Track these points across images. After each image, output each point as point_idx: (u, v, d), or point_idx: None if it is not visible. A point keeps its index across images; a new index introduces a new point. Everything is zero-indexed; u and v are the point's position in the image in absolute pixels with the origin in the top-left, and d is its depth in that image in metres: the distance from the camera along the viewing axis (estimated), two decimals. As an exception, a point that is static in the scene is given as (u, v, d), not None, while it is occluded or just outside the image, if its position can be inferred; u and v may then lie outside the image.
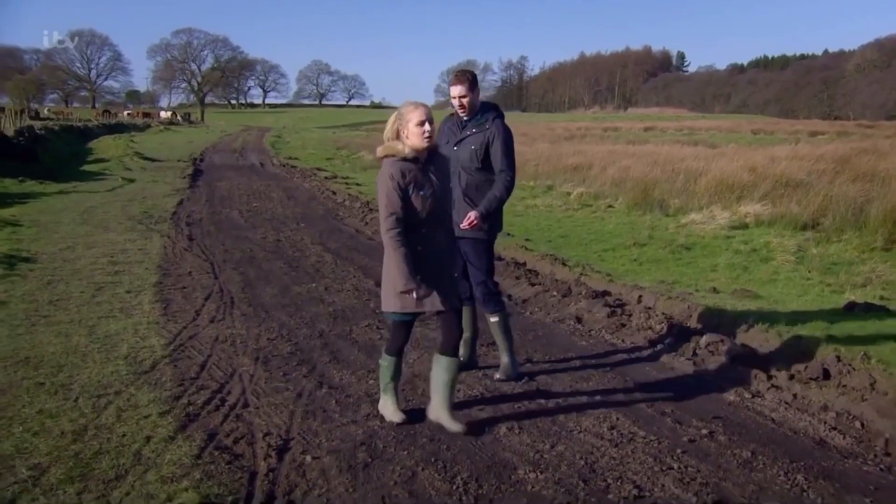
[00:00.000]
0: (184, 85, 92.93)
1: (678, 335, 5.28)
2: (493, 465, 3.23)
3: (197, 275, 7.09)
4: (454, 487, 3.02)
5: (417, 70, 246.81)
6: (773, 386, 4.31)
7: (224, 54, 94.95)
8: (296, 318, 5.64)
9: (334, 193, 15.09)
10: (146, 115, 72.12)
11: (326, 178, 18.67)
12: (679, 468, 3.25)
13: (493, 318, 4.32)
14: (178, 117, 72.66)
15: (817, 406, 4.02)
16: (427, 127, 3.32)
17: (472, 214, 4.01)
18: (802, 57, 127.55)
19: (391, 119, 3.44)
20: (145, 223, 10.39)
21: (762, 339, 5.07)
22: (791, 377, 4.38)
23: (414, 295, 3.36)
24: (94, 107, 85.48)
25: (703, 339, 5.06)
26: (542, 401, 4.05)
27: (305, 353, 4.78)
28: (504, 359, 4.37)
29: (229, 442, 3.37)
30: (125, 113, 71.58)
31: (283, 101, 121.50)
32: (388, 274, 3.47)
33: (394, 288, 3.41)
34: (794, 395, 4.17)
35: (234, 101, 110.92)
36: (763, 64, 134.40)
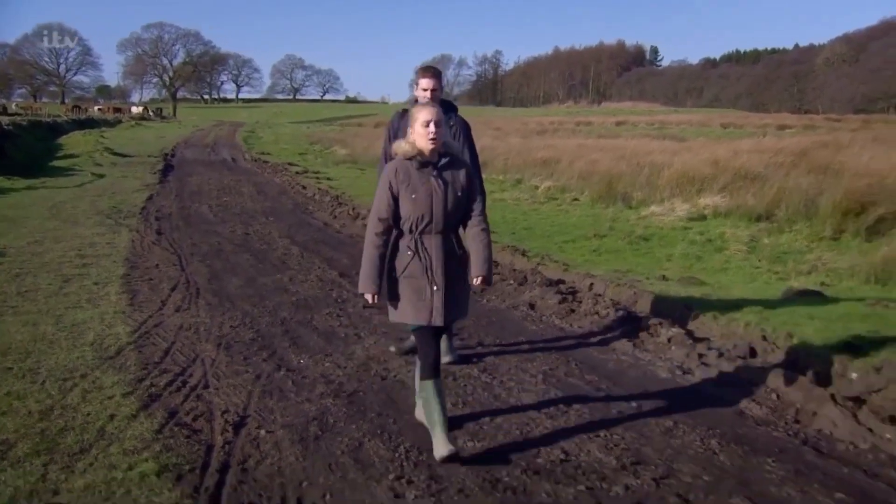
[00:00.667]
0: (155, 80, 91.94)
1: (623, 319, 5.59)
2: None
3: (164, 267, 7.27)
4: (396, 455, 3.28)
5: (392, 65, 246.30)
6: (702, 363, 4.63)
7: (196, 49, 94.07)
8: (259, 308, 5.86)
9: (304, 188, 15.25)
10: (117, 110, 71.27)
11: (298, 172, 18.81)
12: (605, 436, 3.54)
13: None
14: (150, 112, 71.88)
15: (740, 380, 4.34)
16: (432, 128, 3.15)
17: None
18: (774, 51, 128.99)
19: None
20: (114, 218, 10.50)
21: (699, 322, 5.40)
22: (720, 355, 4.71)
23: (369, 300, 3.27)
24: (63, 102, 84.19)
25: (644, 323, 5.38)
26: (487, 380, 4.33)
27: (266, 340, 5.01)
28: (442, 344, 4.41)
29: (189, 419, 3.60)
30: (95, 108, 70.61)
31: (257, 95, 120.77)
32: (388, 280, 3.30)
33: (403, 296, 3.24)
34: (720, 371, 4.49)
35: (206, 96, 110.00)
36: (735, 58, 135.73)
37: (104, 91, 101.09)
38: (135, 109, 73.36)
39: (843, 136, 25.26)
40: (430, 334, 3.30)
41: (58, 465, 3.06)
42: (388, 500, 2.90)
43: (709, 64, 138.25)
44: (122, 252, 7.93)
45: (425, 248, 3.21)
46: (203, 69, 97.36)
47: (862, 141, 22.49)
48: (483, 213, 3.39)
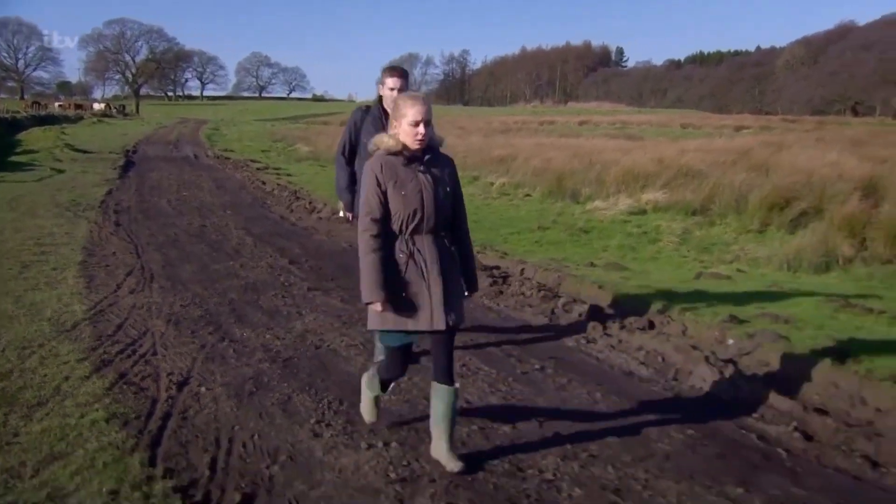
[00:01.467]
0: (118, 76, 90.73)
1: (544, 299, 6.14)
2: (357, 391, 3.98)
3: (121, 255, 7.64)
4: (319, 405, 3.78)
5: (360, 64, 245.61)
6: (605, 334, 5.20)
7: (159, 45, 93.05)
8: (209, 290, 6.28)
9: (264, 183, 15.60)
10: (78, 106, 70.22)
11: (258, 168, 19.11)
12: (506, 390, 4.07)
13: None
14: (113, 109, 71.05)
15: (634, 347, 4.92)
16: (421, 129, 2.97)
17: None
18: (736, 53, 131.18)
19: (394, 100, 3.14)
20: (73, 210, 10.77)
21: (609, 300, 5.97)
22: (622, 327, 5.28)
23: (378, 308, 2.99)
24: (22, 98, 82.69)
25: (561, 301, 5.94)
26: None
27: (213, 317, 5.45)
28: None
29: (137, 379, 4.04)
30: (56, 104, 69.56)
31: (223, 93, 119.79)
32: None
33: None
34: (620, 341, 5.07)
35: (171, 94, 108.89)
36: (699, 60, 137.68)
37: (65, 87, 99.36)
38: (97, 106, 72.43)
39: (790, 137, 26.35)
40: (405, 354, 3.25)
41: (17, 415, 3.49)
42: (308, 438, 3.39)
43: (673, 65, 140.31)
44: (80, 241, 8.26)
45: (418, 249, 3.02)
46: (167, 66, 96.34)
47: (806, 141, 23.55)
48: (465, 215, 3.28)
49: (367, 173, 3.02)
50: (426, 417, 3.30)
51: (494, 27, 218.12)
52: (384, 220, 2.99)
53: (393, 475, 3.06)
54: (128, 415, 3.54)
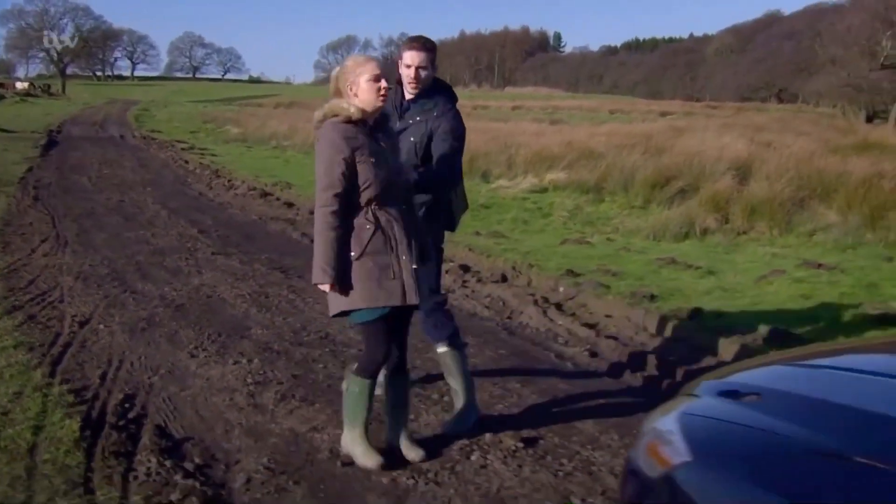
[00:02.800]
0: (42, 55, 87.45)
1: (421, 259, 7.01)
2: (237, 327, 4.78)
3: (37, 225, 8.17)
4: (201, 337, 4.56)
5: (297, 45, 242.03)
6: (463, 285, 6.11)
7: (86, 24, 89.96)
8: (119, 253, 6.93)
9: (187, 162, 16.03)
10: (0, 85, 67.69)
11: (184, 149, 19.41)
12: (362, 326, 4.91)
13: (444, 349, 3.46)
14: (37, 88, 68.70)
15: (484, 295, 5.84)
16: (383, 83, 2.81)
17: None
18: (670, 40, 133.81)
19: (332, 78, 2.91)
20: (-8, 186, 11.10)
21: (475, 259, 6.89)
22: (479, 280, 6.21)
23: (327, 290, 2.81)
24: (-62, 75, 79.00)
25: (434, 260, 6.82)
26: (293, 296, 5.62)
27: (119, 274, 6.12)
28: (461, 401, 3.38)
29: (44, 320, 4.74)
30: (-25, 82, 66.84)
31: (155, 73, 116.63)
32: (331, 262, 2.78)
33: (360, 279, 2.80)
34: (473, 291, 5.99)
35: (99, 73, 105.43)
36: (635, 46, 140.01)
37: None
38: (20, 85, 69.82)
39: (700, 122, 27.92)
40: (387, 328, 2.91)
41: (-65, 346, 4.15)
42: (185, 358, 4.18)
43: (609, 51, 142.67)
44: (-2, 214, 8.73)
45: (388, 220, 2.84)
46: (94, 45, 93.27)
47: (712, 126, 25.10)
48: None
49: (327, 144, 2.79)
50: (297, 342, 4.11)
51: (433, 10, 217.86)
52: (346, 193, 2.78)
53: (250, 380, 3.87)
54: (34, 343, 4.25)
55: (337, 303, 2.86)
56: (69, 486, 2.73)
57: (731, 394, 1.64)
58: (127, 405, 3.52)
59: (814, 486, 1.23)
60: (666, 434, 1.59)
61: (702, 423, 1.57)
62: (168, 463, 2.95)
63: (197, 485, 2.79)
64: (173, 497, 2.69)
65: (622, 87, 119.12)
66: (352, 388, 2.97)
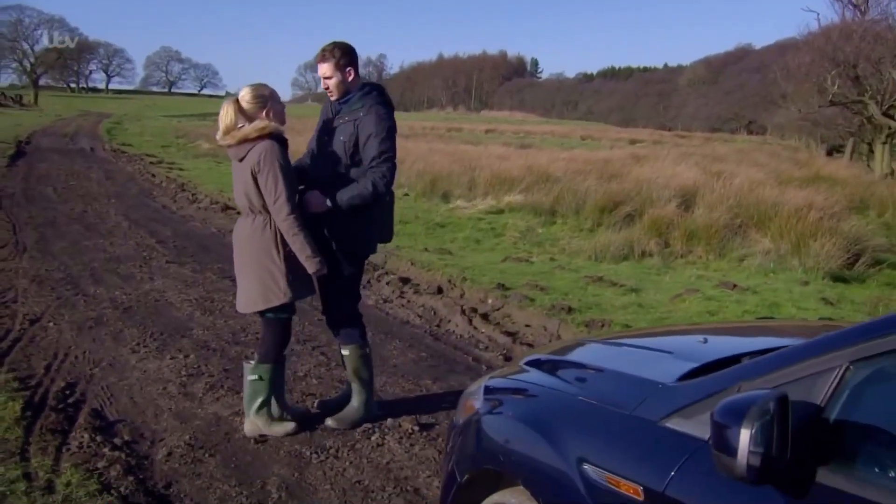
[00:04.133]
0: (14, 65, 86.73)
1: (365, 272, 7.41)
2: (179, 328, 5.13)
3: (-2, 232, 8.43)
4: (143, 335, 4.91)
5: (274, 62, 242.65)
6: (401, 296, 6.53)
7: (60, 35, 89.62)
8: (75, 260, 7.24)
9: (154, 176, 16.29)
10: (-30, 94, 67.05)
11: (152, 163, 19.65)
12: (306, 332, 5.29)
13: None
14: (8, 99, 68.16)
15: (418, 305, 6.26)
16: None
17: (317, 194, 3.39)
18: (645, 69, 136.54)
19: (231, 106, 3.28)
20: (-45, 194, 11.30)
21: (416, 273, 7.32)
22: (416, 292, 6.63)
23: (321, 272, 3.34)
24: None
25: (376, 273, 7.24)
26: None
27: (74, 279, 6.44)
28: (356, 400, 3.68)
29: (-4, 318, 5.05)
30: (-55, 91, 66.16)
31: (130, 87, 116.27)
32: (270, 264, 3.28)
33: (284, 276, 3.28)
34: (409, 301, 6.40)
35: (73, 85, 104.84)
36: (610, 74, 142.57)
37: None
38: (-9, 94, 69.22)
39: (663, 151, 28.77)
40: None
41: None
42: (127, 353, 4.53)
43: (585, 78, 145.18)
44: (-40, 220, 8.96)
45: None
46: (69, 57, 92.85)
47: (673, 155, 25.92)
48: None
49: (275, 158, 3.21)
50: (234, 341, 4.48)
51: (412, 32, 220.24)
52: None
53: (184, 373, 4.24)
54: (-16, 338, 4.57)
55: (264, 299, 3.35)
56: (6, 455, 3.08)
57: (535, 363, 2.08)
58: (67, 392, 3.87)
59: (547, 413, 1.69)
60: (475, 392, 2.03)
61: (499, 383, 2.01)
62: (99, 438, 3.31)
63: (122, 456, 3.16)
64: (99, 465, 3.06)
65: (597, 113, 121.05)
66: (252, 376, 3.44)
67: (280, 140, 3.30)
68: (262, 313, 3.43)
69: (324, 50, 3.43)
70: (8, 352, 4.39)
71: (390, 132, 3.46)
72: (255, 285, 3.32)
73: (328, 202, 3.34)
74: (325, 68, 3.41)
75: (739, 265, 9.27)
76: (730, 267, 9.16)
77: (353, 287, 3.67)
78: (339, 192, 3.35)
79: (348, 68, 3.42)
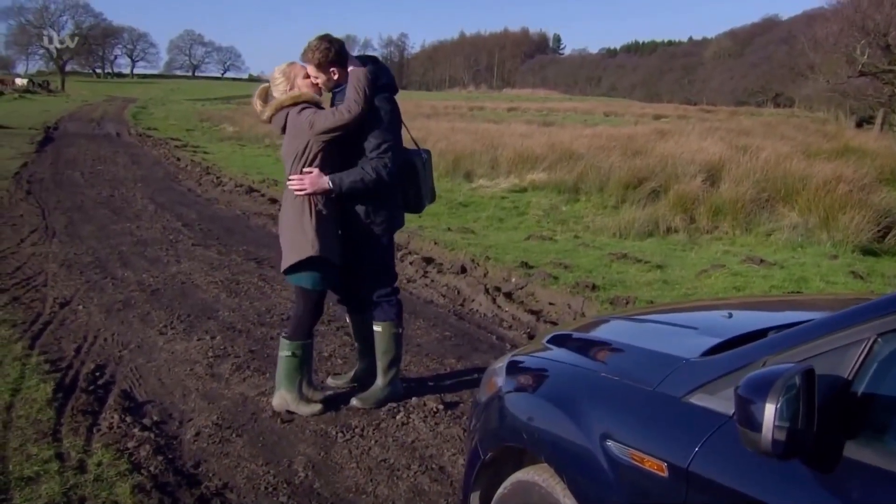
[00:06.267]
0: (41, 51, 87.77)
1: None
2: (206, 309, 5.19)
3: (28, 217, 8.58)
4: (171, 317, 4.97)
5: (297, 44, 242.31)
6: (425, 275, 6.53)
7: (85, 21, 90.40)
8: (103, 244, 7.34)
9: (179, 160, 16.44)
10: (-1, 81, 68.00)
11: (177, 147, 19.83)
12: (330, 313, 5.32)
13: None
14: (36, 85, 69.08)
15: (441, 285, 6.26)
16: (312, 77, 3.48)
17: (317, 173, 3.38)
18: (670, 43, 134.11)
19: (269, 86, 3.63)
20: (-14, 181, 11.51)
21: (439, 252, 7.31)
22: (440, 271, 6.62)
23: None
24: (-62, 71, 79.26)
25: (400, 254, 7.24)
26: (262, 283, 6.04)
27: (102, 262, 6.54)
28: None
29: (27, 301, 5.16)
30: (-26, 79, 67.13)
31: (154, 71, 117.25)
32: (302, 219, 3.39)
33: (313, 229, 3.37)
34: (433, 280, 6.40)
35: (99, 71, 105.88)
36: (634, 49, 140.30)
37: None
38: (19, 81, 70.21)
39: (688, 126, 28.34)
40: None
41: (-71, 321, 4.57)
42: (154, 335, 4.59)
43: (608, 54, 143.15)
44: (-9, 206, 9.14)
45: None
46: (94, 42, 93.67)
47: (698, 130, 25.51)
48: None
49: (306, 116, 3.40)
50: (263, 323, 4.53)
51: (433, 11, 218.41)
52: None
53: (210, 354, 4.29)
54: (16, 321, 4.66)
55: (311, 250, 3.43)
56: (39, 436, 3.14)
57: (558, 340, 2.06)
58: (97, 374, 3.94)
59: (570, 390, 1.67)
60: (498, 370, 2.02)
61: (522, 360, 1.99)
62: (128, 419, 3.37)
63: (152, 436, 3.21)
64: (129, 445, 3.11)
65: (620, 89, 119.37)
66: (285, 352, 3.50)
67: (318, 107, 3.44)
68: (297, 284, 3.49)
69: (305, 51, 3.48)
70: (39, 335, 4.47)
71: (390, 122, 3.46)
72: (287, 242, 3.43)
73: (328, 183, 3.37)
74: (310, 69, 3.50)
75: (766, 240, 9.11)
76: (756, 242, 9.01)
77: (387, 262, 3.74)
78: (340, 174, 3.39)
79: (332, 68, 3.46)
